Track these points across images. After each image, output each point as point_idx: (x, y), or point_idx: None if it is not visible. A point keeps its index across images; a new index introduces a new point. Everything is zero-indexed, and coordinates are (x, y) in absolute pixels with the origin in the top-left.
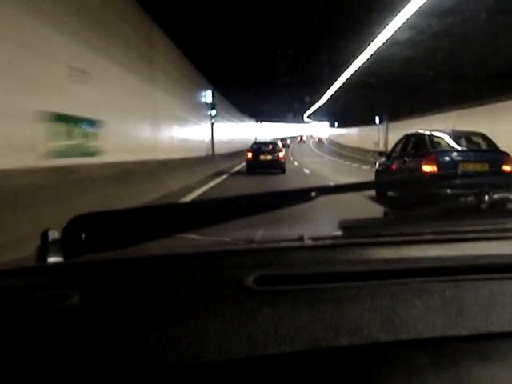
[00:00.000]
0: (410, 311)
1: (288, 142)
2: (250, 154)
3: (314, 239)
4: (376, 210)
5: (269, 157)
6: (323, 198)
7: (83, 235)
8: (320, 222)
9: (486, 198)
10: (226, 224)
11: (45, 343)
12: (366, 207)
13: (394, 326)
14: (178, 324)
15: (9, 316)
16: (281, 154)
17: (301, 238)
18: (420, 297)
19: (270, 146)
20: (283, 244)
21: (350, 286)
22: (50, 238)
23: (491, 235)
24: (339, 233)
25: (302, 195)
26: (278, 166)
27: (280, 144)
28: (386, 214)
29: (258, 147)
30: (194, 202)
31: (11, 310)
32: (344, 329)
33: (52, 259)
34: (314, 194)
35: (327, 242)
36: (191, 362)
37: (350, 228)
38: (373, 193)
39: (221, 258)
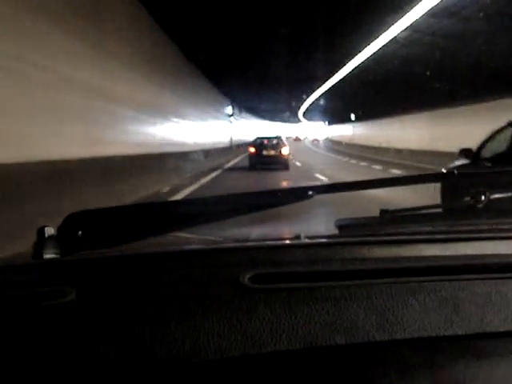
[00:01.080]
0: (406, 310)
1: (283, 139)
2: (252, 149)
3: (310, 238)
4: (372, 209)
5: (272, 152)
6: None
7: (79, 232)
8: (316, 221)
9: (483, 198)
10: (222, 222)
11: (41, 339)
12: (362, 206)
13: (390, 325)
14: (174, 321)
15: (5, 312)
16: (284, 150)
17: (297, 237)
18: (416, 296)
19: (274, 141)
20: (279, 242)
21: (345, 284)
22: (46, 235)
23: (487, 235)
24: (335, 231)
25: (299, 194)
26: (281, 162)
27: (284, 139)
28: (382, 213)
29: (261, 142)
30: (190, 200)
31: (7, 306)
32: (340, 327)
33: (48, 256)
34: (310, 192)
35: (323, 240)
36: (186, 360)
37: (347, 227)
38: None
39: (217, 256)
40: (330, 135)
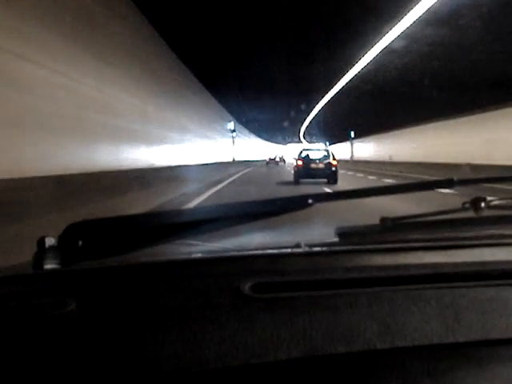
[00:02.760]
0: (407, 318)
1: (284, 157)
2: (299, 162)
3: (310, 246)
4: (373, 217)
5: (320, 165)
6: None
7: (80, 242)
8: (317, 229)
9: (483, 204)
10: (222, 231)
11: (41, 350)
12: (362, 213)
13: (391, 333)
14: (175, 331)
15: (5, 323)
16: (334, 162)
17: (297, 245)
18: (416, 304)
19: (322, 153)
20: (280, 251)
21: (346, 293)
22: (46, 245)
23: (487, 242)
24: (336, 239)
25: (299, 202)
26: (330, 175)
27: (331, 150)
28: (382, 220)
29: (307, 154)
30: (190, 209)
31: (7, 316)
32: (341, 336)
33: (49, 266)
34: (310, 201)
35: (324, 248)
36: (187, 370)
37: (347, 235)
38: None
39: (217, 265)
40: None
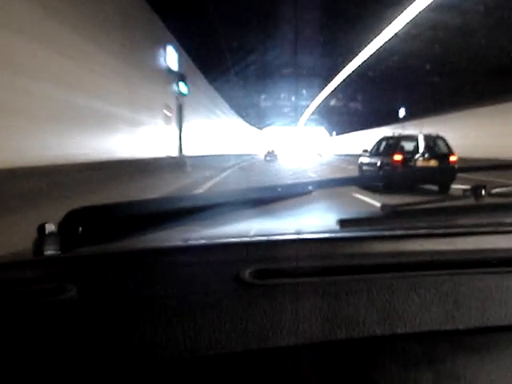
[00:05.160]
0: (407, 305)
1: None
2: (396, 157)
3: (310, 233)
4: (373, 204)
5: (432, 162)
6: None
7: (80, 228)
8: (317, 216)
9: (483, 192)
10: (222, 217)
11: (42, 335)
12: (363, 200)
13: (391, 320)
14: (175, 317)
15: (6, 309)
16: (453, 158)
17: (298, 232)
18: (416, 291)
19: (427, 143)
20: (280, 237)
21: (347, 279)
22: (46, 231)
23: (487, 229)
24: (336, 226)
25: (298, 189)
26: (446, 179)
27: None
28: (383, 207)
29: (403, 146)
30: (191, 195)
31: (8, 302)
32: (341, 322)
33: (49, 252)
34: (310, 187)
35: (324, 235)
36: (187, 355)
37: (348, 221)
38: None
39: (217, 252)
40: None
